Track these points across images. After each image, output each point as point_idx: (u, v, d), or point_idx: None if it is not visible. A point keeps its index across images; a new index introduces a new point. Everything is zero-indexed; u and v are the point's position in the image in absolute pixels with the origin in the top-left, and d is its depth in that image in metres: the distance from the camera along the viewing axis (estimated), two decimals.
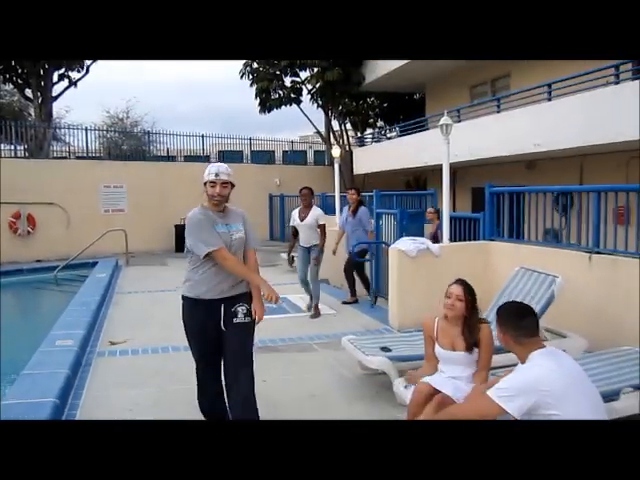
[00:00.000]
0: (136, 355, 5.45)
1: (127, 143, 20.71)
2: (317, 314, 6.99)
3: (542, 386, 2.21)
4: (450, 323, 3.30)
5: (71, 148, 18.62)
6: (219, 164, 3.38)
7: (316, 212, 7.01)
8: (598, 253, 5.01)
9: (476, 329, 3.18)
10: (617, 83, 8.57)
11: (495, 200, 6.56)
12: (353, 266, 7.70)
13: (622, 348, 4.09)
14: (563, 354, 2.47)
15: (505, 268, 5.62)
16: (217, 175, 3.26)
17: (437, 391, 3.09)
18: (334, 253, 7.76)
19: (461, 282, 3.31)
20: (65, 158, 17.69)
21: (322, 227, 6.97)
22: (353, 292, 7.75)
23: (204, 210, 3.35)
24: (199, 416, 3.44)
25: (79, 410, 4.01)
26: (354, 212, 7.76)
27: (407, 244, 6.10)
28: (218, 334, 3.29)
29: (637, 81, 7.77)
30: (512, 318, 2.49)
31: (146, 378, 4.76)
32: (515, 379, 2.33)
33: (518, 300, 4.23)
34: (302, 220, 7.01)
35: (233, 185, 3.37)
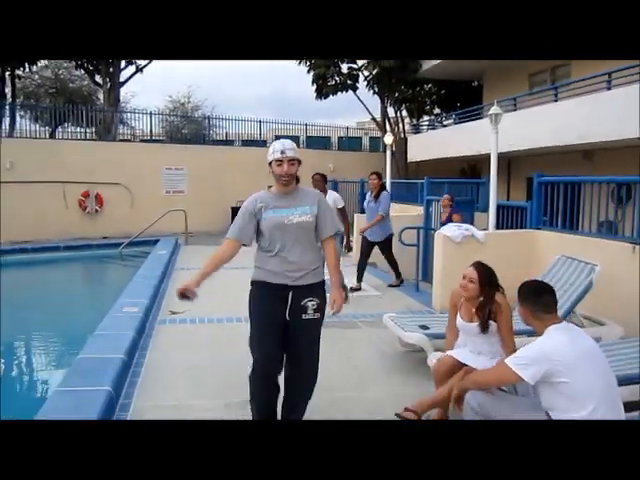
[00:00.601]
0: (194, 324, 5.92)
1: (188, 127, 21.50)
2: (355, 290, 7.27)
3: (554, 356, 2.43)
4: (470, 302, 3.48)
5: (135, 131, 19.56)
6: (283, 140, 3.13)
7: (332, 196, 6.89)
8: None
9: (491, 307, 3.35)
10: None
11: (543, 190, 6.62)
12: (385, 250, 7.78)
13: None
14: (578, 330, 2.66)
15: (550, 256, 5.70)
16: (283, 152, 3.03)
17: (461, 364, 3.33)
18: (361, 233, 7.74)
19: (476, 265, 3.49)
20: (129, 141, 18.58)
21: (342, 210, 6.90)
22: (398, 274, 7.94)
23: (264, 193, 3.17)
24: (245, 381, 3.73)
25: (144, 367, 4.49)
26: (376, 197, 7.62)
27: (452, 230, 6.28)
28: (284, 321, 3.06)
29: None
30: (531, 295, 2.70)
31: (202, 344, 5.20)
32: (530, 349, 2.54)
33: (556, 287, 4.38)
34: None
35: (300, 162, 3.13)
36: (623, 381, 3.29)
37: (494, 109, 6.35)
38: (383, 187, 7.82)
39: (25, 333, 6.69)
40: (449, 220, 7.64)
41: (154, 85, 30.09)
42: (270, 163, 3.09)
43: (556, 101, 11.22)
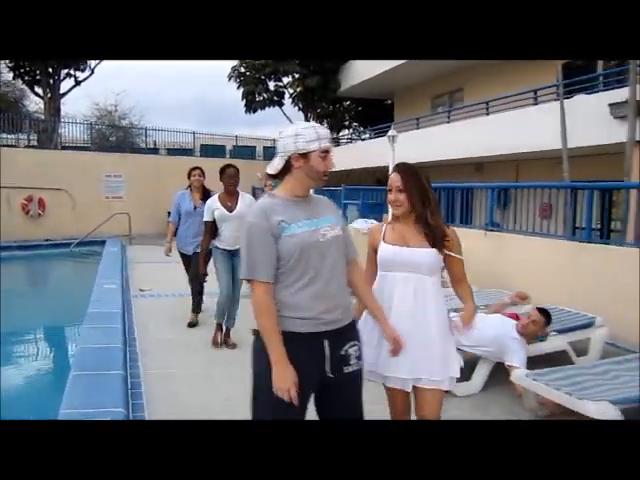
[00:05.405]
0: (159, 298, 7.57)
1: (115, 135, 22.35)
2: (233, 344, 5.24)
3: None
4: (403, 222, 2.56)
5: (63, 139, 20.26)
6: (317, 125, 2.29)
7: (247, 199, 5.22)
8: (491, 231, 7.15)
9: (437, 223, 2.50)
10: (536, 104, 10.73)
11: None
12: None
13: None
14: None
15: None
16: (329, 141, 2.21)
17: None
18: None
19: (399, 168, 2.56)
20: (56, 148, 19.28)
21: None
22: None
23: (269, 200, 2.22)
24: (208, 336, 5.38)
25: (136, 327, 5.95)
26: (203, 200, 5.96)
27: (361, 223, 8.18)
28: (317, 385, 2.19)
29: (555, 102, 9.86)
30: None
31: (170, 309, 6.84)
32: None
33: None
34: (231, 210, 5.11)
35: None
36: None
37: (391, 132, 8.32)
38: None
39: (36, 317, 7.91)
40: None
41: (81, 92, 30.44)
42: (305, 154, 2.16)
43: (449, 122, 13.53)
